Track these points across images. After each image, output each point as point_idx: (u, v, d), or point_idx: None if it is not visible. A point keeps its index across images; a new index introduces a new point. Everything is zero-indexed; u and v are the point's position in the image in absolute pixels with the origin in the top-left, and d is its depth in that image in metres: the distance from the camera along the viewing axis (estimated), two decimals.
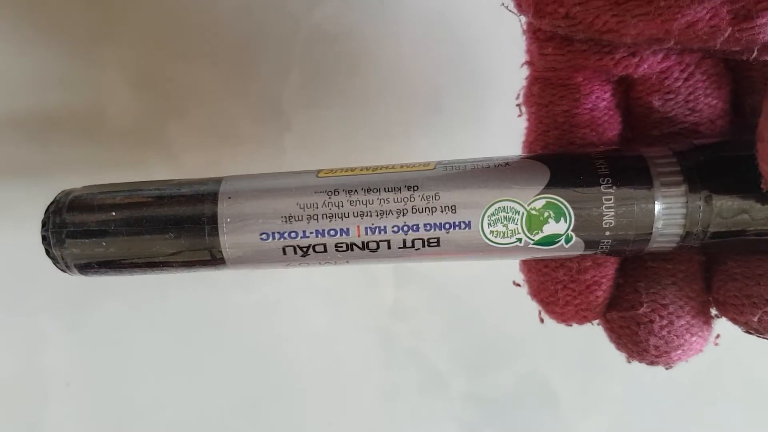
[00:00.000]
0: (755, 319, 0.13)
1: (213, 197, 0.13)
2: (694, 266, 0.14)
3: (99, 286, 0.24)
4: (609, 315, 0.14)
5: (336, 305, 0.24)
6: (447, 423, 0.25)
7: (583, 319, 0.15)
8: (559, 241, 0.13)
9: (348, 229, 0.13)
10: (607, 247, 0.13)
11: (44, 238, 0.14)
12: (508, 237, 0.13)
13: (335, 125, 0.22)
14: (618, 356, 0.24)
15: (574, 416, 0.25)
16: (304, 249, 0.13)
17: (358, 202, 0.13)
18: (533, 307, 0.23)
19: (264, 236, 0.13)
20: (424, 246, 0.13)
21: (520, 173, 0.13)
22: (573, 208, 0.13)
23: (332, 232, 0.13)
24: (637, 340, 0.14)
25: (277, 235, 0.13)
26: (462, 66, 0.22)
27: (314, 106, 0.22)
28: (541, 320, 0.15)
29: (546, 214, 0.13)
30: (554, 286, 0.14)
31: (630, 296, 0.14)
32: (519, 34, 0.14)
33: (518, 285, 0.16)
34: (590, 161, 0.13)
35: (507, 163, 0.13)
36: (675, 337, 0.14)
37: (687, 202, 0.12)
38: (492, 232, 0.13)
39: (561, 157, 0.14)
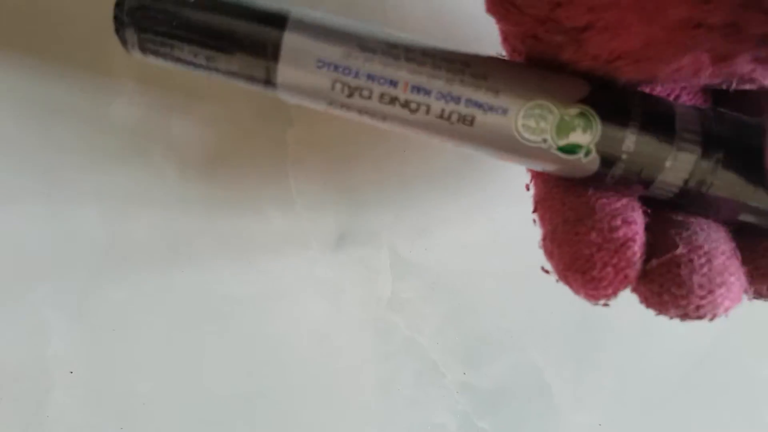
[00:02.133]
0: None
1: (284, 15, 0.14)
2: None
3: (103, 274, 0.24)
4: (648, 266, 0.14)
5: (335, 297, 0.24)
6: (443, 413, 0.25)
7: (624, 280, 0.14)
8: (580, 152, 0.14)
9: (397, 82, 0.14)
10: (620, 171, 0.14)
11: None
12: (536, 134, 0.14)
13: (338, 118, 0.22)
14: (612, 348, 0.25)
15: (566, 407, 0.25)
16: (352, 88, 0.14)
17: (414, 61, 0.14)
18: (528, 299, 0.24)
19: (320, 64, 0.14)
20: (458, 121, 0.14)
21: (564, 82, 0.14)
22: (601, 124, 0.14)
23: (381, 81, 0.14)
24: (680, 282, 0.13)
25: (332, 67, 0.14)
26: None
27: None
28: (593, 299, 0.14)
29: (576, 123, 0.14)
30: (589, 250, 0.14)
31: (664, 244, 0.14)
32: None
33: (546, 272, 0.15)
34: (627, 94, 0.14)
35: (554, 72, 0.14)
36: (717, 275, 0.13)
37: (698, 159, 0.14)
38: (524, 125, 0.14)
39: (602, 82, 0.14)
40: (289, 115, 0.23)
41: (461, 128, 0.14)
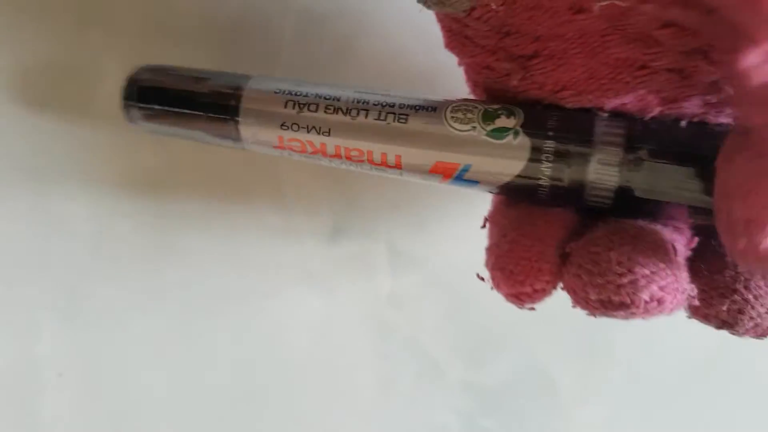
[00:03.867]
0: (724, 309, 0.13)
1: (245, 78, 0.18)
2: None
3: (91, 271, 0.23)
4: (567, 249, 0.14)
5: (331, 294, 0.24)
6: (444, 412, 0.24)
7: (538, 273, 0.14)
8: (509, 134, 0.15)
9: (340, 97, 0.16)
10: (550, 157, 0.15)
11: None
12: (465, 123, 0.15)
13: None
14: (618, 343, 0.24)
15: (572, 404, 0.25)
16: (301, 105, 0.17)
17: (359, 87, 0.17)
18: None
19: (277, 90, 0.17)
20: (394, 121, 0.16)
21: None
22: (524, 112, 0.15)
23: (327, 97, 0.17)
24: (596, 258, 0.13)
25: (286, 92, 0.17)
26: None
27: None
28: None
29: (499, 112, 0.15)
30: (509, 246, 0.14)
31: (586, 234, 0.14)
32: None
33: (482, 278, 0.15)
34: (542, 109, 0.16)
35: None
36: (639, 256, 0.13)
37: (621, 160, 0.14)
38: (453, 117, 0.15)
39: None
40: None
41: (397, 127, 0.16)
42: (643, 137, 0.14)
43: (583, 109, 0.15)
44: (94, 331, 0.24)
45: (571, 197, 0.15)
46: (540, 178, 0.15)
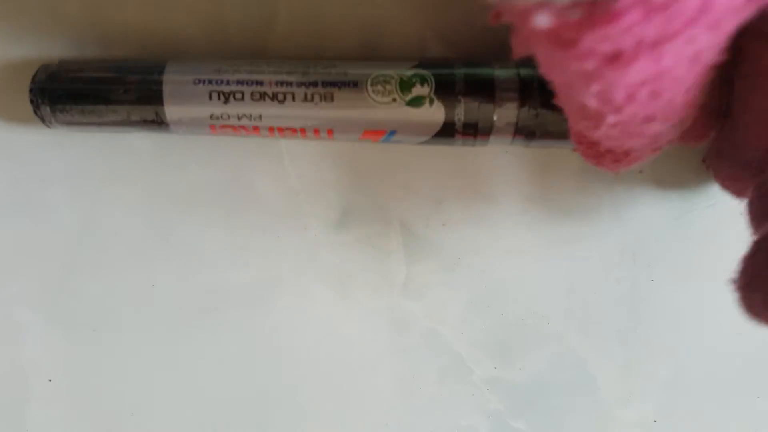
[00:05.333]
0: None
1: (162, 64, 0.19)
2: None
3: (77, 267, 0.22)
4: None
5: (341, 285, 0.22)
6: (471, 413, 0.23)
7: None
8: (425, 102, 0.18)
9: (262, 81, 0.18)
10: (461, 117, 0.18)
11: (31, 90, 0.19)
12: (386, 96, 0.18)
13: None
14: (665, 333, 0.22)
15: (614, 403, 0.23)
16: (226, 95, 0.18)
17: (273, 65, 0.18)
18: (564, 279, 0.22)
19: (196, 81, 0.18)
20: (322, 100, 0.18)
21: (397, 61, 0.18)
22: (434, 77, 0.18)
23: (250, 83, 0.18)
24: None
25: (206, 81, 0.18)
26: None
27: (306, 54, 0.20)
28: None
29: (414, 80, 0.18)
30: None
31: None
32: None
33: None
34: (448, 59, 0.19)
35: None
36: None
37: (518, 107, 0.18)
38: (373, 90, 0.18)
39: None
40: None
41: (325, 107, 0.18)
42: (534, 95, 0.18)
43: (482, 69, 0.18)
44: (83, 333, 0.23)
45: (484, 133, 0.18)
46: (455, 128, 0.18)
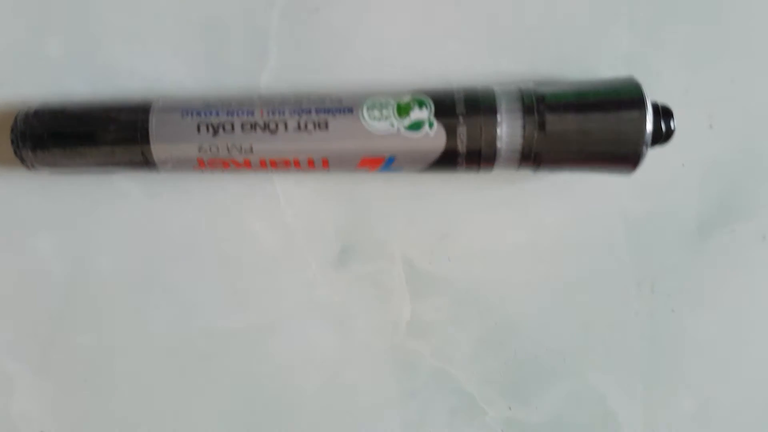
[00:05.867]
0: None
1: (149, 103, 0.18)
2: None
3: (66, 316, 0.22)
4: None
5: (343, 324, 0.22)
6: None
7: None
8: (424, 126, 0.17)
9: (253, 111, 0.17)
10: (464, 139, 0.17)
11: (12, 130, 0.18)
12: (383, 120, 0.17)
13: None
14: (690, 366, 0.22)
15: None
16: (215, 126, 0.17)
17: (264, 97, 0.18)
18: (579, 312, 0.21)
19: (184, 113, 0.17)
20: (316, 128, 0.17)
21: (391, 91, 0.18)
22: (433, 99, 0.17)
23: (240, 112, 0.17)
24: None
25: (194, 113, 0.17)
26: None
27: (299, 88, 0.20)
28: None
29: (412, 104, 0.17)
30: None
31: None
32: None
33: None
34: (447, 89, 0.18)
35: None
36: None
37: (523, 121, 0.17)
38: (370, 115, 0.17)
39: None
40: None
41: (320, 135, 0.17)
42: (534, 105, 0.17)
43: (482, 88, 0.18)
44: (74, 383, 0.22)
45: (488, 159, 0.17)
46: (458, 152, 0.17)
